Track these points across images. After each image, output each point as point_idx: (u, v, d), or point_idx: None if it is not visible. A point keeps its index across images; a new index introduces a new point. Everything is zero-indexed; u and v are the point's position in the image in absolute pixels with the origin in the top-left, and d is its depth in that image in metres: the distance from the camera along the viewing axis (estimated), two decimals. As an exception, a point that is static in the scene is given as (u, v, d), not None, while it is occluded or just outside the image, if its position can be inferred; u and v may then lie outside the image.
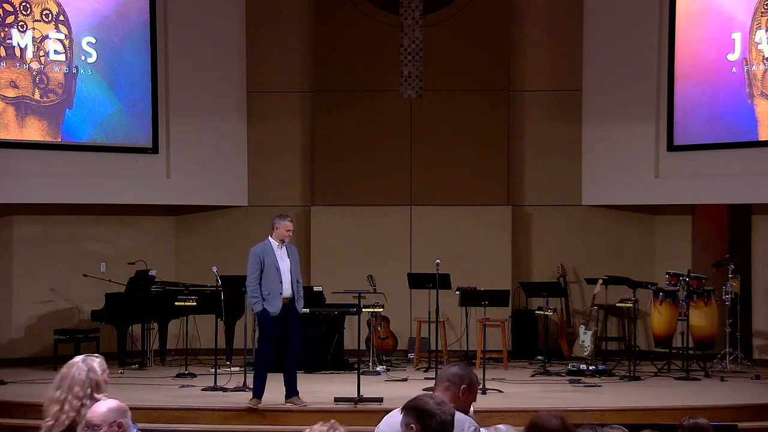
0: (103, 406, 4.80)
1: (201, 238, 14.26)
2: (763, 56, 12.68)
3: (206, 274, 12.02)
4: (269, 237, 10.13)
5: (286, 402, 10.06)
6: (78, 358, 5.40)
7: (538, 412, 4.46)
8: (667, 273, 12.61)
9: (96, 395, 5.27)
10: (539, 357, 13.12)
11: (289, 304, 10.06)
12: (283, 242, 10.10)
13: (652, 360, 12.39)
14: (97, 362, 5.40)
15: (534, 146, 14.20)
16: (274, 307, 9.99)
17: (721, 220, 14.28)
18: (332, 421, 4.29)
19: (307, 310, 11.37)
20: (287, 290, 10.04)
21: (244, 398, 10.30)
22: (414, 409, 4.26)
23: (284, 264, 10.07)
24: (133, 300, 12.63)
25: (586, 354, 12.62)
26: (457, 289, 12.46)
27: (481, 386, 10.65)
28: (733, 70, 12.95)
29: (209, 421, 9.76)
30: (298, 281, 10.17)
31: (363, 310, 10.72)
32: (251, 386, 10.67)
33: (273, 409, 9.90)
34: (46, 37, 12.96)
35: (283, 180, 14.28)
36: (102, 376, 5.42)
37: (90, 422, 4.76)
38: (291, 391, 10.09)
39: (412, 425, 4.22)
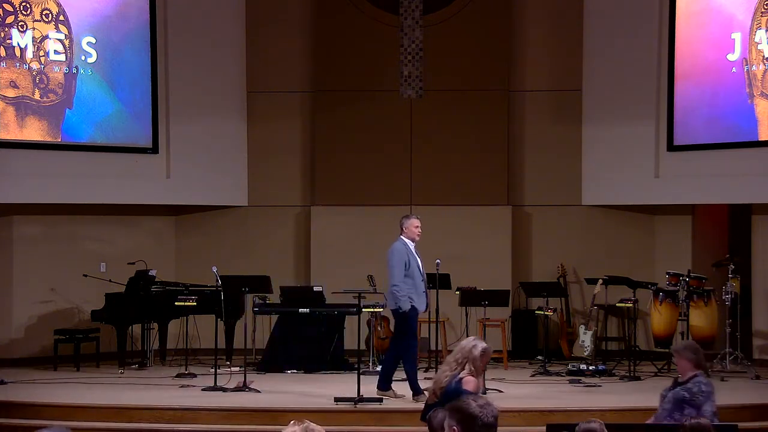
0: None
1: (201, 238, 14.26)
2: (763, 56, 12.68)
3: (206, 274, 12.01)
4: (401, 237, 10.28)
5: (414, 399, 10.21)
6: (472, 337, 6.55)
7: None
8: (667, 273, 12.60)
9: (466, 367, 6.20)
10: (539, 357, 13.11)
11: None
12: (414, 241, 10.29)
13: (652, 360, 12.38)
14: (481, 348, 6.33)
15: (534, 146, 14.19)
16: (422, 306, 10.29)
17: (721, 220, 14.28)
18: (306, 422, 4.28)
19: (307, 310, 11.38)
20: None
21: (244, 398, 10.30)
22: (457, 411, 4.28)
23: (420, 263, 10.29)
24: (133, 300, 12.62)
25: (586, 354, 12.62)
26: (457, 289, 12.47)
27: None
28: (733, 70, 12.94)
29: (209, 421, 9.73)
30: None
31: (363, 310, 10.71)
32: (251, 386, 10.68)
33: (273, 409, 9.89)
34: (46, 37, 12.95)
35: (283, 180, 14.27)
36: (479, 357, 6.28)
37: None
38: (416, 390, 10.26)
39: (455, 427, 4.25)
